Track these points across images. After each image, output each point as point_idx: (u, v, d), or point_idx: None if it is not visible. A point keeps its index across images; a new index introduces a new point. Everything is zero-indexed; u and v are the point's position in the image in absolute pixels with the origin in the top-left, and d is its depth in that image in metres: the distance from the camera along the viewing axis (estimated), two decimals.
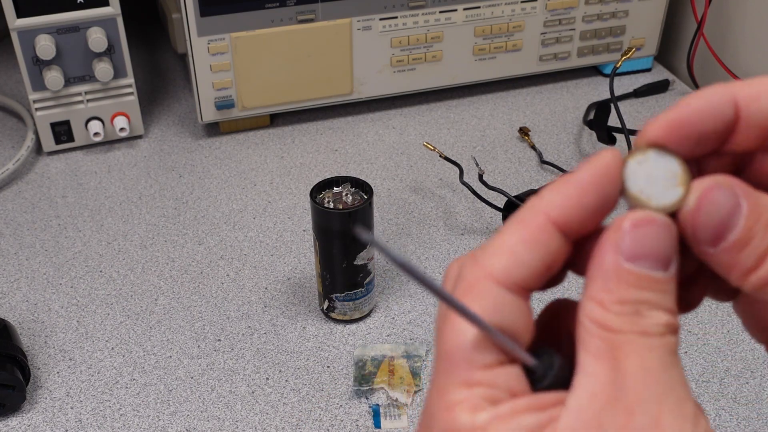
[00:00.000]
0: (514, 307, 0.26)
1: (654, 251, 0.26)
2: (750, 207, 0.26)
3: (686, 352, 0.62)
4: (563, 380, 0.26)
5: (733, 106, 0.27)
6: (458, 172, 0.75)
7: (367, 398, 0.59)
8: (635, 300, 0.25)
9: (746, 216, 0.26)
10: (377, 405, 0.58)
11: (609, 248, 0.26)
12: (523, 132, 0.85)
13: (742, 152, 0.28)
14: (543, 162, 0.82)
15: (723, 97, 0.27)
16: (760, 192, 0.27)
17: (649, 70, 0.97)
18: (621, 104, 0.90)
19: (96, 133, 0.81)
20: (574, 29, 0.90)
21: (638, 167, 0.27)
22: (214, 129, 0.86)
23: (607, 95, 0.87)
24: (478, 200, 0.73)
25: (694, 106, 0.27)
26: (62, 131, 0.81)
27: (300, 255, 0.71)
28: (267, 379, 0.60)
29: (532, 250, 0.26)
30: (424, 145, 0.75)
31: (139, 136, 0.85)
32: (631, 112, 0.90)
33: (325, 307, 0.64)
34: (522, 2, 0.86)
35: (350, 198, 0.60)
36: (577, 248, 0.27)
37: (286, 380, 0.60)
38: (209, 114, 0.83)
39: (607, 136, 0.79)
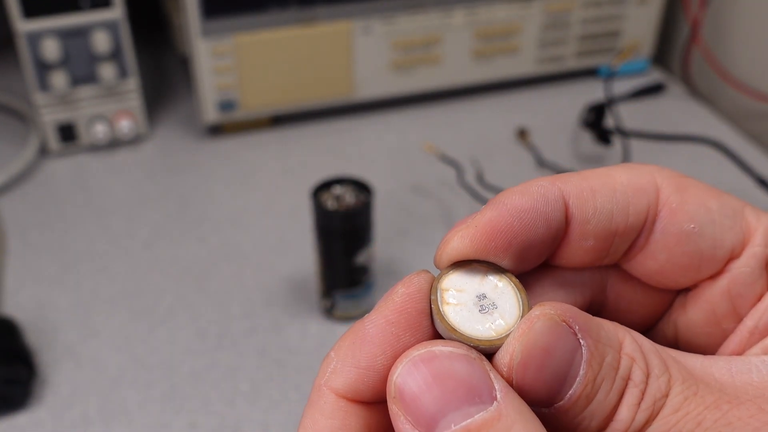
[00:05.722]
0: None
1: (456, 391, 0.18)
2: (591, 348, 0.18)
3: None
4: None
5: (563, 206, 0.20)
6: (457, 173, 0.76)
7: None
8: None
9: (587, 362, 0.18)
10: None
11: (400, 427, 0.18)
12: (522, 133, 0.86)
13: (574, 267, 0.21)
14: (541, 163, 0.83)
15: (549, 193, 0.20)
16: (598, 319, 0.19)
17: (645, 72, 0.98)
18: (617, 106, 0.91)
19: (100, 135, 0.82)
20: (571, 32, 0.91)
21: (447, 295, 0.20)
22: (217, 130, 0.88)
23: (603, 97, 0.88)
24: (478, 201, 0.74)
25: (514, 206, 0.20)
26: (67, 133, 0.82)
27: (301, 254, 0.72)
28: (269, 376, 0.61)
29: None
30: (425, 149, 0.76)
31: (143, 138, 0.86)
32: (627, 114, 0.91)
33: (326, 306, 0.65)
34: (520, 5, 0.87)
35: (351, 198, 0.61)
36: None
37: (288, 378, 0.61)
38: (212, 115, 0.84)
39: (603, 138, 0.80)
